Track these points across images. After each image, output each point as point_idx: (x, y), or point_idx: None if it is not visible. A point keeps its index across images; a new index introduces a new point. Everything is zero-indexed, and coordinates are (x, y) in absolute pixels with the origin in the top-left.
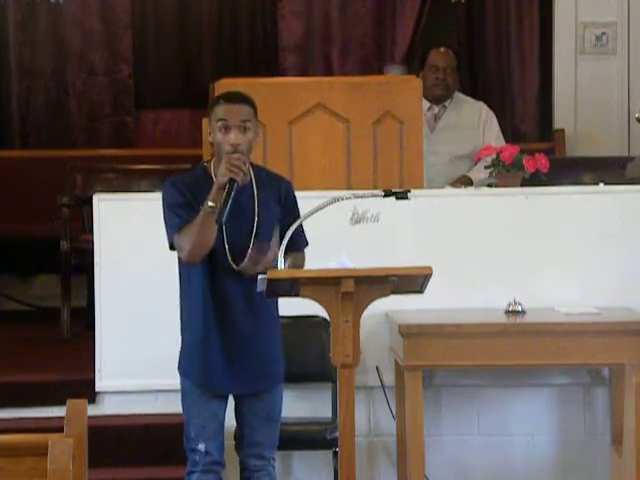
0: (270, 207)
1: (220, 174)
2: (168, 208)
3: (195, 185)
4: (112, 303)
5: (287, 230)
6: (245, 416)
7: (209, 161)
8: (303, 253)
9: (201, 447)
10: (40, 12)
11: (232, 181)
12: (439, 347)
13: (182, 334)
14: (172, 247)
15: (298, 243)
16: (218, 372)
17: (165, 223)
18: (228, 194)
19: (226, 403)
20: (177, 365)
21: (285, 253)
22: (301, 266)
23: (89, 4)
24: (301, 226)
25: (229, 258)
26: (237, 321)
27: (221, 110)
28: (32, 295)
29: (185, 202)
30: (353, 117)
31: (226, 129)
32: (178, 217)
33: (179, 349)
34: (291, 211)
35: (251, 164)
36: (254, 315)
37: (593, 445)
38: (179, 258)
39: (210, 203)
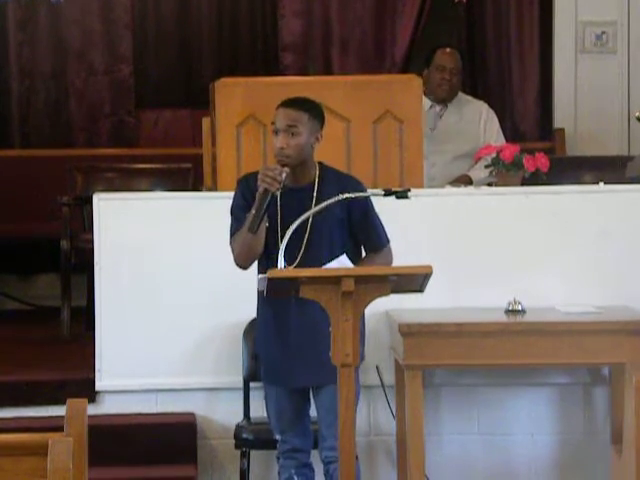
0: (329, 209)
1: (257, 184)
2: (230, 210)
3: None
4: (112, 302)
5: (358, 230)
6: (317, 408)
7: None
8: (383, 252)
9: (279, 437)
10: (40, 12)
11: (266, 191)
12: (439, 346)
13: (256, 332)
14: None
15: (374, 243)
16: (279, 367)
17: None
18: (262, 204)
19: (303, 394)
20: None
21: (366, 254)
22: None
23: (89, 3)
24: (378, 224)
25: (285, 259)
26: (295, 317)
27: (275, 114)
28: (32, 294)
29: (245, 205)
30: (353, 116)
31: (276, 132)
32: (236, 220)
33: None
34: (359, 210)
35: (320, 164)
36: (313, 311)
37: (593, 444)
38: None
39: (252, 210)
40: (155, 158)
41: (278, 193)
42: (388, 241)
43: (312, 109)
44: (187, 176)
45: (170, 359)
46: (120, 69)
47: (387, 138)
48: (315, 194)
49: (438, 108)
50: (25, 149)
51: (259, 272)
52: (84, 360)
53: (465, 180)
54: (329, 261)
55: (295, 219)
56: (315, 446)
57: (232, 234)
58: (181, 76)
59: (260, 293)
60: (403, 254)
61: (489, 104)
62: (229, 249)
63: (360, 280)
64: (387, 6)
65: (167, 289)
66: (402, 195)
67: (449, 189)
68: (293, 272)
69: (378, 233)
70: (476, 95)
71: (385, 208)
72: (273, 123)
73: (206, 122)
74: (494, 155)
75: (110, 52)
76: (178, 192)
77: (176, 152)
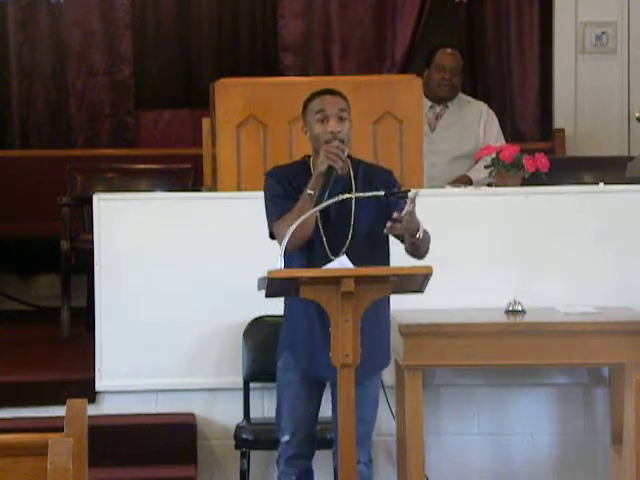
0: (369, 199)
1: (319, 162)
2: (268, 199)
3: (293, 177)
4: (112, 303)
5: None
6: (337, 408)
7: (310, 156)
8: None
9: (286, 438)
10: (40, 12)
11: (330, 168)
12: (439, 347)
13: (285, 323)
14: (272, 236)
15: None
16: (320, 358)
17: (266, 213)
18: (326, 181)
19: (319, 398)
20: (277, 356)
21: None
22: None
23: (89, 4)
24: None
25: (327, 250)
26: None
27: (318, 102)
28: (32, 295)
29: (284, 192)
30: (353, 117)
31: (324, 119)
32: (277, 206)
33: (282, 335)
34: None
35: (350, 157)
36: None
37: (593, 444)
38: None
39: (309, 191)
40: (155, 158)
41: (340, 170)
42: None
43: (348, 100)
44: (187, 176)
45: (170, 359)
46: (120, 69)
47: (387, 138)
48: (353, 182)
49: (438, 109)
50: (25, 149)
51: (298, 263)
52: (84, 360)
53: (465, 180)
54: (371, 254)
55: (334, 210)
56: (319, 447)
57: (275, 219)
58: (181, 76)
59: None
60: (403, 254)
61: (489, 104)
62: (265, 237)
63: (360, 280)
64: (387, 6)
65: (167, 290)
66: (402, 195)
67: (449, 189)
68: (293, 272)
69: None
70: (476, 95)
71: None
72: (320, 111)
73: (206, 122)
74: (494, 155)
75: (110, 52)
76: (178, 192)
77: (176, 152)
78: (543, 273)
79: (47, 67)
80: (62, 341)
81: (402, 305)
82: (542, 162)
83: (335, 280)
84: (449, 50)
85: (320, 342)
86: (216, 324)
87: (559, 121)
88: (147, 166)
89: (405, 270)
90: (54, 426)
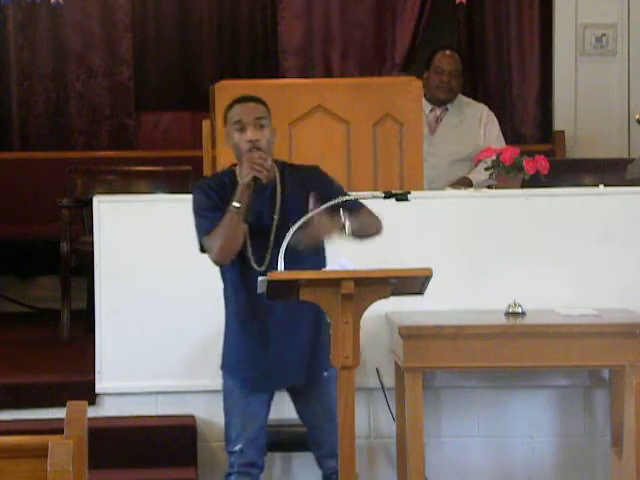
0: (295, 203)
1: (243, 174)
2: (196, 212)
3: (221, 188)
4: (112, 305)
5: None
6: (306, 415)
7: (235, 165)
8: (364, 211)
9: (238, 448)
10: (40, 14)
11: (256, 179)
12: (439, 349)
13: (225, 334)
14: (202, 250)
15: (350, 206)
16: (256, 369)
17: (195, 227)
18: (249, 194)
19: (268, 404)
20: (220, 365)
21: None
22: (368, 223)
23: (89, 6)
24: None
25: (252, 260)
26: (268, 318)
27: (236, 111)
28: (32, 297)
29: (213, 205)
30: (353, 119)
31: (242, 129)
32: (206, 220)
33: (222, 348)
34: (328, 191)
35: (275, 161)
36: (286, 311)
37: (593, 447)
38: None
39: (235, 204)
40: (155, 160)
41: (265, 180)
42: (361, 205)
43: (267, 105)
44: (187, 178)
45: (170, 361)
46: (120, 71)
47: (387, 140)
48: (279, 190)
49: (439, 111)
50: (25, 152)
51: (231, 276)
52: (84, 362)
53: (465, 182)
54: (295, 259)
55: (264, 217)
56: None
57: (207, 232)
58: (181, 78)
59: (231, 301)
60: (403, 257)
61: (489, 106)
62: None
63: (360, 282)
64: (387, 8)
65: (167, 291)
66: (402, 197)
67: (449, 191)
68: (293, 274)
69: (354, 201)
70: (476, 97)
71: (385, 210)
72: (238, 122)
73: (206, 124)
74: (494, 157)
75: (110, 54)
76: (178, 194)
77: (176, 154)
78: (543, 275)
79: (47, 69)
80: (62, 343)
81: (402, 307)
82: (542, 164)
83: (335, 282)
84: (448, 52)
85: (252, 353)
86: (216, 326)
87: (559, 123)
88: (147, 168)
89: (405, 272)
90: (54, 428)
